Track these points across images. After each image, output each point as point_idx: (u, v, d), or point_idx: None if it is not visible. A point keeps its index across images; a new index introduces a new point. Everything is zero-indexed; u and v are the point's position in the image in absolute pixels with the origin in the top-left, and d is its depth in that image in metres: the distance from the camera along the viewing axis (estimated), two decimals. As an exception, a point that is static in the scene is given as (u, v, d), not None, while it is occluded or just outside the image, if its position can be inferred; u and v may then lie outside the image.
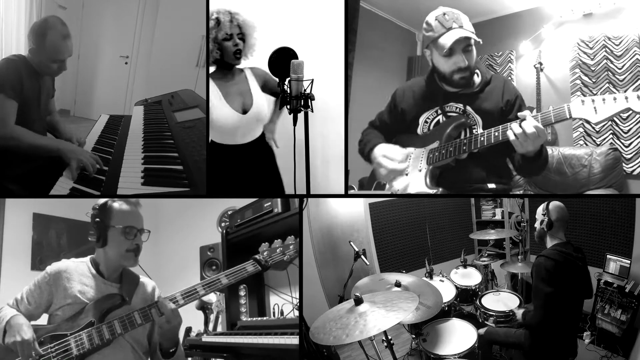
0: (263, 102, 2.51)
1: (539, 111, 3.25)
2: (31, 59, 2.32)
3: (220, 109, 2.45)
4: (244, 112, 2.48)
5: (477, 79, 2.36)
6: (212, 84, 2.48)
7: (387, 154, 2.40)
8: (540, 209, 2.26)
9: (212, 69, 2.51)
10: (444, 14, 2.23)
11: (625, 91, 2.97)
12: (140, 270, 2.00)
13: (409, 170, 2.40)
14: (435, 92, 2.40)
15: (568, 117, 2.03)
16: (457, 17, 2.23)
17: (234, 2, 2.62)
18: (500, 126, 2.15)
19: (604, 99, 1.96)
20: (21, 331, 1.65)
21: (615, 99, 1.95)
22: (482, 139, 2.20)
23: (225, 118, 2.45)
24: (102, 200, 1.91)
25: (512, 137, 2.07)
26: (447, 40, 2.21)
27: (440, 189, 2.32)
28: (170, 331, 1.81)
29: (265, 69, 2.41)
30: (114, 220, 1.86)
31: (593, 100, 1.98)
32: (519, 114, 2.08)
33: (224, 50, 2.44)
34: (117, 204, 1.89)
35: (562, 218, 2.20)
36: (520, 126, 2.03)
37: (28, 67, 2.31)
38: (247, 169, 2.52)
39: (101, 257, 1.89)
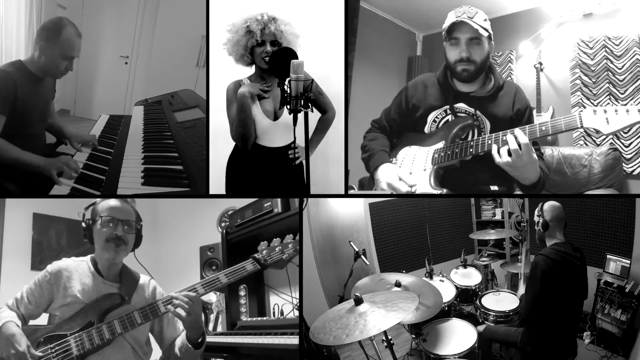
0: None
1: (538, 112, 3.27)
2: (35, 60, 2.32)
3: (254, 114, 2.39)
4: (276, 118, 2.42)
5: (489, 83, 2.37)
6: (249, 84, 2.40)
7: (391, 181, 2.37)
8: (535, 211, 2.26)
9: (250, 70, 2.45)
10: (461, 7, 2.28)
11: (625, 92, 3.00)
12: (140, 268, 2.00)
13: (412, 169, 2.40)
14: (446, 90, 2.41)
15: (579, 126, 2.02)
16: (471, 12, 2.27)
17: (232, 2, 2.62)
18: (508, 131, 2.16)
19: (616, 110, 1.95)
20: (15, 343, 1.63)
21: (627, 111, 1.93)
22: (489, 142, 2.21)
23: (256, 122, 2.39)
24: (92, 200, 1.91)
25: (498, 159, 2.14)
26: (447, 23, 2.28)
27: (445, 190, 2.32)
28: (194, 320, 1.78)
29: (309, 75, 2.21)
30: (98, 214, 1.86)
31: (605, 111, 1.96)
32: (507, 137, 2.13)
33: (254, 55, 2.38)
34: (105, 201, 1.89)
35: (556, 217, 2.20)
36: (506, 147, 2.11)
37: (25, 73, 2.31)
38: (275, 171, 2.46)
39: (97, 255, 1.89)
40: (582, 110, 2.02)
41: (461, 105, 2.38)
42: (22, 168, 2.30)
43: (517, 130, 2.12)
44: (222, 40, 2.43)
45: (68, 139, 2.62)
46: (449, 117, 2.39)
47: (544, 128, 2.09)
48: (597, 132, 2.03)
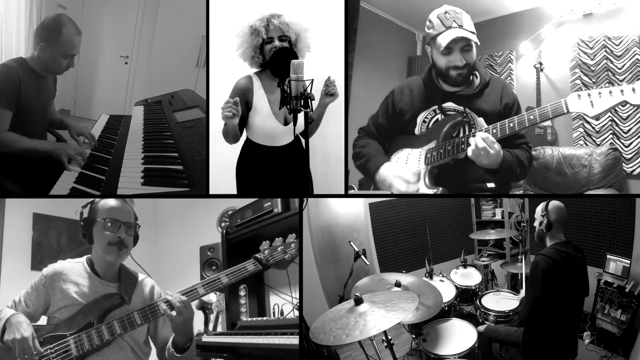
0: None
1: (539, 111, 3.27)
2: (36, 58, 2.32)
3: (264, 116, 2.37)
4: (286, 122, 2.40)
5: (476, 81, 2.38)
6: (258, 85, 2.39)
7: (401, 174, 2.38)
8: (539, 210, 2.25)
9: (259, 70, 2.43)
10: (446, 12, 2.27)
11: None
12: (138, 268, 2.00)
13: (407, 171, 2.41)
14: (433, 90, 2.41)
15: (565, 111, 2.08)
16: (459, 17, 2.27)
17: (232, 2, 2.63)
18: (498, 123, 2.19)
19: (599, 93, 2.02)
20: (20, 329, 1.64)
21: (611, 92, 2.00)
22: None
23: (266, 126, 2.38)
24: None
25: (469, 152, 2.19)
26: (444, 39, 2.25)
27: (440, 189, 2.33)
28: (184, 324, 1.75)
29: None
30: (99, 215, 1.84)
31: (589, 95, 2.03)
32: (477, 133, 2.18)
33: (264, 54, 2.36)
34: (104, 200, 1.88)
35: (561, 219, 2.20)
36: (474, 141, 2.16)
37: (28, 70, 2.32)
38: (280, 170, 2.44)
39: (94, 255, 1.88)
40: (567, 97, 2.08)
41: (449, 105, 2.39)
42: (30, 157, 2.31)
43: (478, 134, 2.19)
44: (225, 42, 2.42)
45: (68, 129, 2.62)
46: (439, 117, 2.40)
47: (532, 117, 2.14)
48: (584, 115, 2.07)
